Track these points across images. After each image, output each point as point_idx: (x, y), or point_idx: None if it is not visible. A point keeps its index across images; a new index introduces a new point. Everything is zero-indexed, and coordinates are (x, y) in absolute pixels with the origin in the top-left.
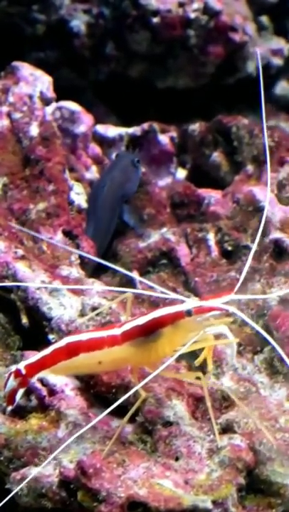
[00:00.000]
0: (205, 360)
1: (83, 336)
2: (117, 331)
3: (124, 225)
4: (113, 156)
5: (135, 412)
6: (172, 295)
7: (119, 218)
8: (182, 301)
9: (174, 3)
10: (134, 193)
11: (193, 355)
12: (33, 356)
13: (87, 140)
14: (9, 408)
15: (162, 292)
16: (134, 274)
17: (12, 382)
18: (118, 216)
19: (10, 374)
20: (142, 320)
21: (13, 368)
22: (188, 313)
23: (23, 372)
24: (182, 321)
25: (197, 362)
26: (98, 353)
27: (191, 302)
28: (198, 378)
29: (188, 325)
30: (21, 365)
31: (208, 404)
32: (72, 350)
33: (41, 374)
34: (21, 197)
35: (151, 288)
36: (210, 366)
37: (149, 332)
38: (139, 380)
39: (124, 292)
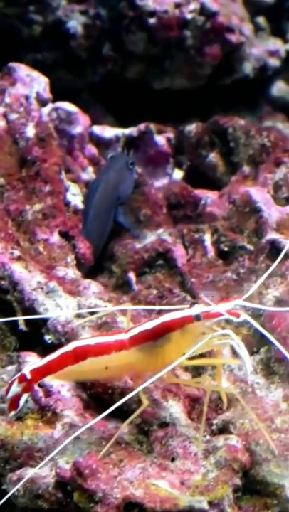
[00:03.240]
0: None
1: (91, 341)
2: (124, 336)
3: (120, 226)
4: (108, 157)
5: (131, 412)
6: (176, 307)
7: (114, 220)
8: (190, 305)
9: (171, 4)
10: (130, 194)
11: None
12: (39, 361)
13: (84, 141)
14: (12, 413)
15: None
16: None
17: (16, 388)
18: (113, 218)
19: (13, 380)
20: (150, 324)
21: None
22: (197, 317)
23: (28, 377)
24: (190, 325)
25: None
26: (105, 357)
27: (200, 307)
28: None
29: (197, 330)
30: (26, 370)
31: (205, 408)
32: (79, 355)
33: (46, 379)
34: (18, 198)
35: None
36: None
37: (157, 337)
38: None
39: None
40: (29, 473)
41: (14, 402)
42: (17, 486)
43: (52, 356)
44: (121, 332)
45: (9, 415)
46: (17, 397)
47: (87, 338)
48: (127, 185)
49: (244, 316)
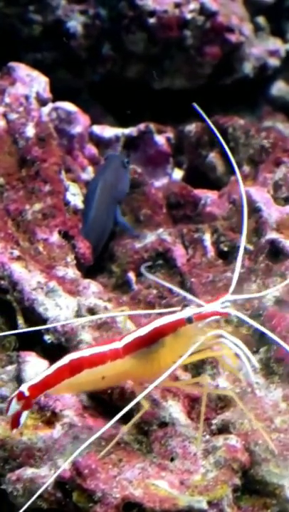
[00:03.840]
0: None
1: (85, 352)
2: (118, 344)
3: (119, 226)
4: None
5: (131, 412)
6: (170, 310)
7: (113, 220)
8: (182, 308)
9: (171, 4)
10: (127, 193)
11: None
12: (36, 377)
13: (84, 141)
14: (14, 431)
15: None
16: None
17: (16, 406)
18: (113, 217)
19: (12, 397)
20: (143, 331)
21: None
22: (189, 320)
23: (27, 394)
24: (183, 328)
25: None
26: (101, 368)
27: (191, 309)
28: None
29: (190, 332)
30: (24, 387)
31: (203, 409)
32: (75, 367)
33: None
34: (17, 198)
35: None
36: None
37: (150, 342)
38: (141, 390)
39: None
40: (28, 473)
41: (15, 419)
42: (19, 488)
43: (48, 371)
44: (115, 341)
45: (12, 433)
46: (17, 415)
47: (82, 350)
48: (124, 184)
49: (236, 313)
